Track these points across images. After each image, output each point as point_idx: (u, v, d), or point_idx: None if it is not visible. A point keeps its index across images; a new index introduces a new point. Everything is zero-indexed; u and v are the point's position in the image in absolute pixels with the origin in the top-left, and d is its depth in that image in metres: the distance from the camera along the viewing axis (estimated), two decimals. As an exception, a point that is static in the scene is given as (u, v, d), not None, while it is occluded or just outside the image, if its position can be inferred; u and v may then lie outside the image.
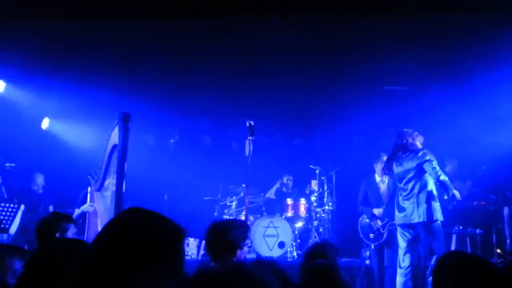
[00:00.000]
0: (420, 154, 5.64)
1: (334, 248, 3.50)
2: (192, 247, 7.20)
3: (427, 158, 5.56)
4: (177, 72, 7.39)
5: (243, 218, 7.66)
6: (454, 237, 6.72)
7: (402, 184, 5.77)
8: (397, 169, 5.81)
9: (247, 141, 4.94)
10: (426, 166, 5.54)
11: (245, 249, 3.31)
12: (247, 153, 4.88)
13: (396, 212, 5.81)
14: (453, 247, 6.55)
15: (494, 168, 7.19)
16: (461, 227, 6.72)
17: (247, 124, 5.02)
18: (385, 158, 6.82)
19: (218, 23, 6.17)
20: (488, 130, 8.07)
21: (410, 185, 5.65)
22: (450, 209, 6.72)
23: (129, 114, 5.28)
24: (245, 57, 7.07)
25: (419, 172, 5.62)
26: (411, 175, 5.67)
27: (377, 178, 7.02)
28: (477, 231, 6.56)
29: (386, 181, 6.93)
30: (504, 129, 7.78)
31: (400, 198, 5.77)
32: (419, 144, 5.81)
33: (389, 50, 6.65)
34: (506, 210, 6.71)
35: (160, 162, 8.50)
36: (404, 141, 5.78)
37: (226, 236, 3.15)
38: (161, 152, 9.08)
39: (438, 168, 5.56)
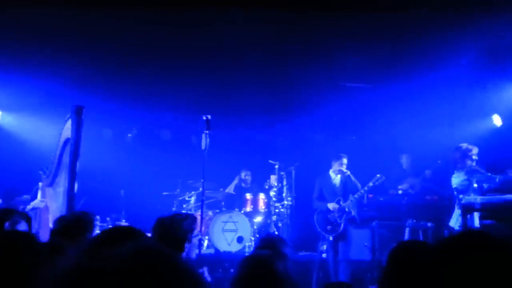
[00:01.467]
0: None
1: (283, 242, 3.52)
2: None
3: None
4: (135, 65, 7.22)
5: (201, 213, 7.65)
6: (407, 230, 6.90)
7: None
8: None
9: (203, 135, 4.92)
10: None
11: (195, 241, 3.28)
12: (203, 147, 4.85)
13: None
14: (406, 239, 6.73)
15: (448, 163, 7.42)
16: (414, 221, 6.90)
17: (204, 118, 4.99)
18: (344, 159, 6.98)
19: (177, 16, 6.07)
20: (443, 126, 8.34)
21: None
22: (404, 204, 6.92)
23: (82, 107, 5.16)
24: (206, 51, 6.99)
25: None
26: None
27: (332, 175, 7.14)
28: (429, 224, 6.75)
29: (339, 178, 7.07)
30: (459, 125, 8.05)
31: None
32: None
33: (349, 47, 6.71)
34: (457, 204, 6.93)
35: (117, 157, 8.35)
36: None
37: (173, 231, 3.11)
38: (119, 146, 8.90)
39: None
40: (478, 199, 5.13)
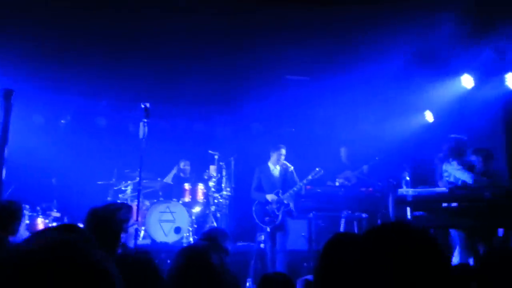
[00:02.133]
0: None
1: (225, 235, 3.50)
2: (83, 234, 6.84)
3: None
4: (69, 50, 6.87)
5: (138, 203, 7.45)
6: (342, 221, 7.09)
7: None
8: None
9: (141, 124, 4.77)
10: None
11: (131, 230, 3.17)
12: (141, 136, 4.71)
13: None
14: (342, 230, 6.91)
15: (384, 157, 7.68)
16: (349, 212, 7.09)
17: (142, 106, 4.83)
18: (283, 150, 7.05)
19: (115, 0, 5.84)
20: (378, 120, 8.62)
21: None
22: (340, 195, 7.09)
23: (12, 91, 4.86)
24: (146, 38, 6.78)
25: None
26: None
27: (271, 166, 7.18)
28: (363, 215, 6.97)
29: (279, 169, 7.13)
30: (394, 120, 8.35)
31: None
32: None
33: (289, 39, 6.74)
34: (390, 196, 7.19)
35: (49, 144, 7.96)
36: None
37: (107, 223, 2.99)
38: (51, 133, 8.48)
39: None
40: (410, 191, 5.33)
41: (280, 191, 6.99)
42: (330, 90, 7.77)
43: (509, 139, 6.91)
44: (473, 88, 7.13)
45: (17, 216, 3.74)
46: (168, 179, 8.45)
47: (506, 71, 6.58)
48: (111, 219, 3.01)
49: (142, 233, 7.67)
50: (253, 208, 7.09)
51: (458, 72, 7.18)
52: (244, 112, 8.93)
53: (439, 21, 5.74)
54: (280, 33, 6.54)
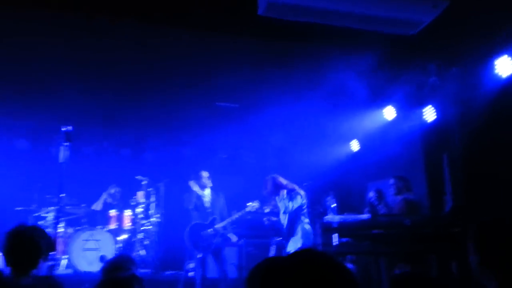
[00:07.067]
0: None
1: (131, 260, 3.42)
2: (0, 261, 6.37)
3: None
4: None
5: (61, 230, 7.09)
6: (273, 248, 7.13)
7: None
8: None
9: (61, 148, 4.58)
10: None
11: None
12: (61, 160, 4.52)
13: None
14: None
15: (311, 184, 7.85)
16: (280, 238, 7.15)
17: (63, 129, 4.66)
18: (204, 173, 7.02)
19: (40, 19, 5.62)
20: (307, 149, 8.83)
21: None
22: (269, 222, 7.14)
23: None
24: (74, 61, 6.54)
25: None
26: None
27: (199, 192, 7.09)
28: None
29: (209, 193, 7.08)
30: (321, 149, 8.60)
31: None
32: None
33: (221, 67, 6.79)
34: (317, 223, 7.35)
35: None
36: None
37: (33, 244, 2.85)
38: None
39: None
40: (336, 218, 5.47)
41: (217, 218, 6.92)
42: (261, 118, 7.87)
43: (427, 166, 7.33)
44: (394, 119, 7.56)
45: None
46: (98, 205, 8.09)
47: (424, 104, 7.05)
48: (36, 242, 2.86)
49: (64, 262, 7.27)
50: (187, 233, 6.89)
51: (381, 104, 7.60)
52: (175, 137, 8.83)
53: (361, 59, 6.06)
54: (212, 61, 6.58)
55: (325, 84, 6.80)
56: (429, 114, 7.03)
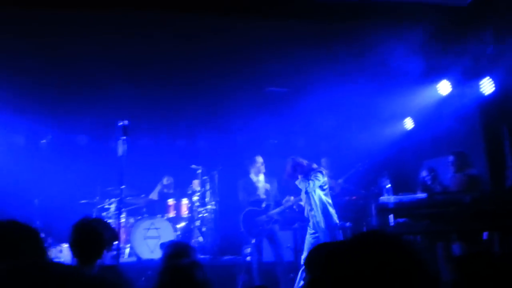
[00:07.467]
0: None
1: (192, 248, 3.51)
2: (66, 253, 6.76)
3: None
4: (46, 68, 6.83)
5: (123, 220, 7.40)
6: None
7: None
8: None
9: (119, 142, 4.76)
10: None
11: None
12: (120, 154, 4.70)
13: None
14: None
15: (366, 165, 7.73)
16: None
17: (120, 124, 4.84)
18: (259, 158, 7.04)
19: (92, 18, 5.83)
20: (360, 130, 8.70)
21: None
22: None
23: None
24: (125, 54, 6.76)
25: None
26: None
27: (254, 178, 7.13)
28: (347, 224, 6.98)
29: (262, 180, 7.12)
30: (375, 129, 8.44)
31: None
32: None
33: (271, 53, 6.78)
34: (373, 204, 7.25)
35: (30, 164, 7.86)
36: None
37: (97, 236, 2.99)
38: (32, 153, 8.39)
39: None
40: (391, 198, 5.38)
41: (272, 204, 6.96)
42: (310, 102, 7.82)
43: (487, 140, 7.02)
44: (449, 94, 7.28)
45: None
46: (154, 195, 8.42)
47: (481, 76, 6.73)
48: (101, 233, 3.01)
49: (127, 251, 7.60)
50: (241, 219, 7.00)
51: (435, 79, 7.33)
52: (227, 125, 8.94)
53: (412, 34, 5.86)
54: (261, 47, 6.58)
55: (376, 62, 6.65)
56: (487, 86, 6.69)
